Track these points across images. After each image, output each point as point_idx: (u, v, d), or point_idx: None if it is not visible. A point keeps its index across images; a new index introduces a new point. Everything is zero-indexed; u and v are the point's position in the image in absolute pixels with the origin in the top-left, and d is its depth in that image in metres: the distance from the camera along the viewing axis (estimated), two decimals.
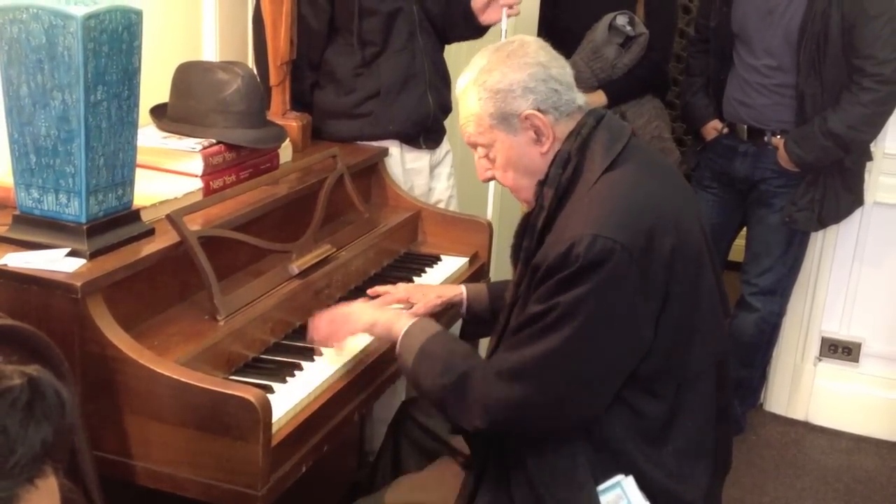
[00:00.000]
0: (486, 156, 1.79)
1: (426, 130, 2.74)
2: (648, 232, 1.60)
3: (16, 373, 0.93)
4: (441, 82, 2.75)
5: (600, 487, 1.68)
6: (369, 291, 2.18)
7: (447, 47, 2.83)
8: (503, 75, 1.72)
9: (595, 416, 1.67)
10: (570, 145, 1.72)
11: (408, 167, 2.75)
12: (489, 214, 2.88)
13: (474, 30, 2.72)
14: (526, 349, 1.63)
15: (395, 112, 2.64)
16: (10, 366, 0.96)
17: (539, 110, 1.71)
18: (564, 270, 1.59)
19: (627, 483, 1.68)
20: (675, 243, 1.63)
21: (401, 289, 2.20)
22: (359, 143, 2.66)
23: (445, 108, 2.78)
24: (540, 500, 1.68)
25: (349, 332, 1.89)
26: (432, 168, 2.83)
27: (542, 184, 1.74)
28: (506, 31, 2.67)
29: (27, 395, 0.91)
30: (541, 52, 1.75)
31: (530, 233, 1.75)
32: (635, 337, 1.62)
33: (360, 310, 1.92)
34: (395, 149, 2.71)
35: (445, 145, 2.87)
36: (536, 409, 1.64)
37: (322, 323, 1.91)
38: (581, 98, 1.77)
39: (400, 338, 1.81)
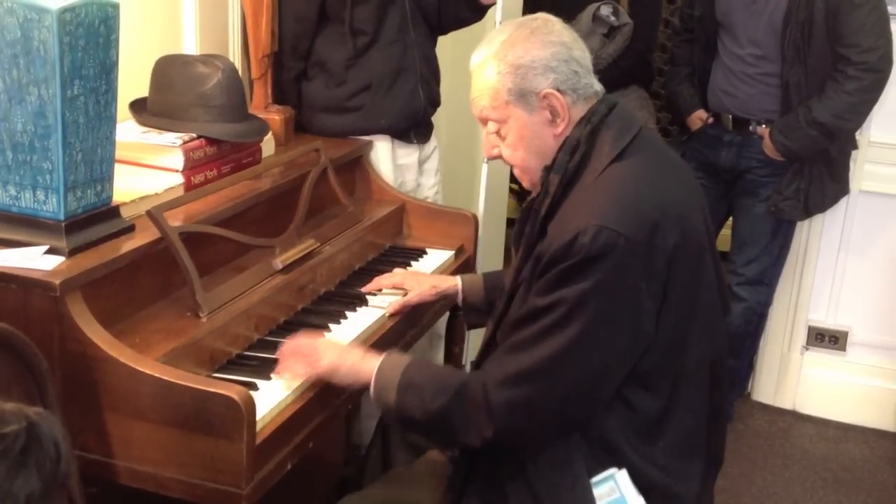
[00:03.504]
0: (497, 132, 1.76)
1: (416, 125, 2.72)
2: (653, 226, 1.59)
3: (15, 416, 0.88)
4: (432, 77, 2.72)
5: (593, 480, 1.67)
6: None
7: (438, 43, 2.81)
8: (525, 51, 1.69)
9: (596, 412, 1.65)
10: (579, 132, 1.70)
11: (399, 163, 2.73)
12: (481, 207, 2.87)
13: (474, 11, 2.69)
14: (533, 351, 1.60)
15: (387, 106, 2.62)
16: (12, 405, 0.90)
17: (558, 90, 1.69)
18: (567, 261, 1.57)
19: (620, 476, 1.67)
20: (678, 239, 1.61)
21: (397, 274, 2.22)
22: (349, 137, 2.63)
23: (435, 102, 2.76)
24: (533, 491, 1.67)
25: (307, 374, 1.77)
26: (420, 163, 2.81)
27: (548, 169, 1.71)
28: (501, 12, 2.69)
29: (22, 442, 0.86)
30: (565, 31, 1.73)
31: (533, 219, 1.73)
32: (639, 331, 1.60)
33: (324, 349, 1.79)
34: (385, 144, 2.68)
35: (433, 140, 2.85)
36: (542, 410, 1.62)
37: (288, 351, 1.80)
38: (598, 84, 1.75)
39: (373, 378, 1.72)
